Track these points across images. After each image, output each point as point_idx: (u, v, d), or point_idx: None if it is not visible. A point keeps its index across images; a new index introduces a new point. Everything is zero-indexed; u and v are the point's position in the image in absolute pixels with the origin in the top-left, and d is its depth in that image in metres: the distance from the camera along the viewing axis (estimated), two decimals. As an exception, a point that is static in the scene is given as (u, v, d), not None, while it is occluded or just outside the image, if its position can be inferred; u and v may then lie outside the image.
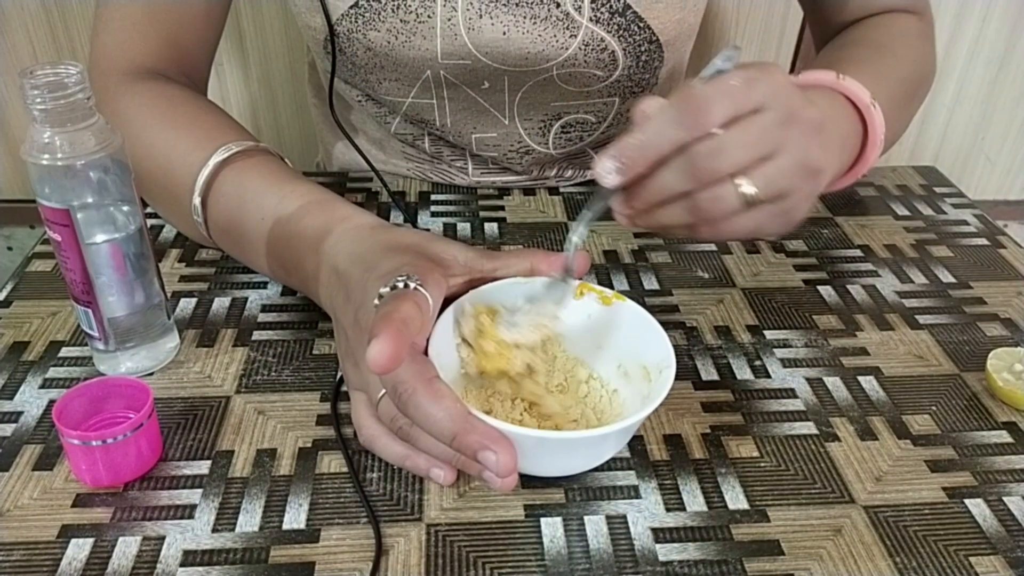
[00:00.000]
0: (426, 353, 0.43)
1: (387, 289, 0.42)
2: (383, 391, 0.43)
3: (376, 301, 0.42)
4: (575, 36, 0.63)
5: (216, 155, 0.56)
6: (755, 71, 0.41)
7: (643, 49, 0.66)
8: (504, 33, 0.63)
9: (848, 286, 0.64)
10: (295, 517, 0.44)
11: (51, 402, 0.50)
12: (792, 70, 1.24)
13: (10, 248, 1.36)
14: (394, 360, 0.38)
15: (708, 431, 0.50)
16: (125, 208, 0.49)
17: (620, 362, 0.49)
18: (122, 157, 0.47)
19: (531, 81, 0.67)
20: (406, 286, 0.42)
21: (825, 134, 0.44)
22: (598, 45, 0.64)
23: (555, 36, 0.63)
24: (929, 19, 0.73)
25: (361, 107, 0.74)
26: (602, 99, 0.69)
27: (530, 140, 0.72)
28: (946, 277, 0.65)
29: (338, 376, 0.53)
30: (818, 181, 0.44)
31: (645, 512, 0.45)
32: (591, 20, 0.63)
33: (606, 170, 0.42)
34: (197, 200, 0.56)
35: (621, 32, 0.64)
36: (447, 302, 0.46)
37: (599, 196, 0.44)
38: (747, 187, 0.41)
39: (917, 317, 0.60)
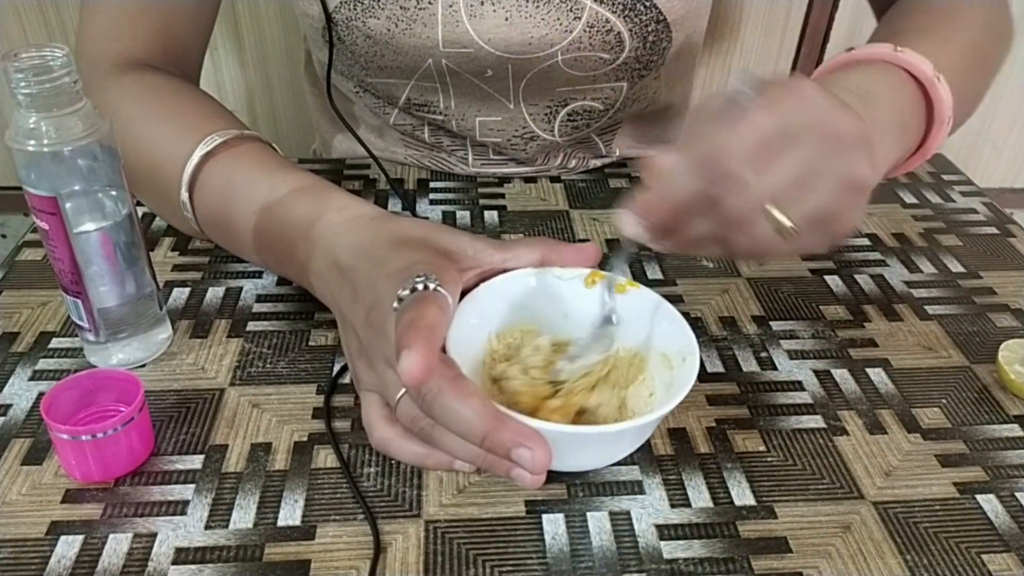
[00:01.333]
0: (443, 350, 0.41)
1: (406, 291, 0.40)
2: (402, 391, 0.41)
3: (395, 304, 0.40)
4: (579, 18, 0.62)
5: (200, 147, 0.53)
6: (778, 91, 0.39)
7: (650, 29, 0.64)
8: (506, 19, 0.61)
9: (856, 276, 0.62)
10: (290, 513, 0.43)
11: (40, 394, 0.49)
12: (800, 45, 1.22)
13: (4, 236, 1.35)
14: (428, 372, 0.36)
15: (713, 425, 0.49)
16: (114, 195, 0.47)
17: (638, 351, 0.48)
18: (111, 143, 0.46)
19: (535, 68, 0.65)
20: (425, 287, 0.40)
21: (870, 142, 0.40)
22: (603, 27, 0.63)
23: (559, 19, 0.62)
24: None
25: (359, 98, 0.73)
26: (609, 84, 0.68)
27: (535, 126, 0.70)
28: (955, 266, 0.64)
29: (335, 369, 0.52)
30: (864, 195, 0.41)
31: (649, 508, 0.44)
32: (595, 1, 0.61)
33: (628, 223, 0.41)
34: (185, 195, 0.54)
35: (627, 12, 0.62)
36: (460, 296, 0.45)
37: (626, 243, 0.44)
38: (782, 219, 0.39)
39: (926, 307, 0.59)
